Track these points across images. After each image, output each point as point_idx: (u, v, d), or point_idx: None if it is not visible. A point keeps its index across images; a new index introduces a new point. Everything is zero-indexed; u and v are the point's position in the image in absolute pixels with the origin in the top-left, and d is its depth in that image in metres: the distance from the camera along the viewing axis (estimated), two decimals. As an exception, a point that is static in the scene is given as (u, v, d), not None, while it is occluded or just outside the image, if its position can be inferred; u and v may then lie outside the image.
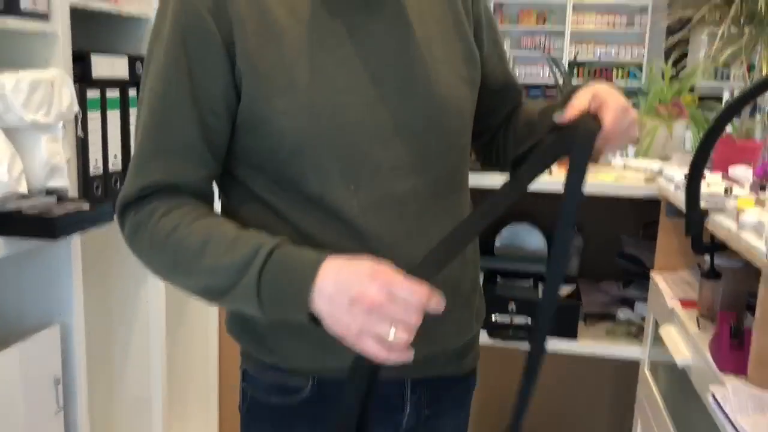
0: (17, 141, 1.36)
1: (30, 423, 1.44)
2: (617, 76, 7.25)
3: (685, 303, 1.44)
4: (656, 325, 1.60)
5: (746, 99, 1.19)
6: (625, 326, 1.88)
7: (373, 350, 0.71)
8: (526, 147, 0.94)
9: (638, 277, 1.95)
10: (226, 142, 0.87)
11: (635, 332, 1.84)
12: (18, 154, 1.35)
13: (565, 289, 1.94)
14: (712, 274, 1.31)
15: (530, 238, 2.11)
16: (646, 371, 1.70)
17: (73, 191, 1.51)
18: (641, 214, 2.01)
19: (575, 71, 6.62)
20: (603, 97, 0.85)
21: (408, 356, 0.71)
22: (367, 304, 0.70)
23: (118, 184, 1.65)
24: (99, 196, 1.59)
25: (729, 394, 0.94)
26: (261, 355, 0.92)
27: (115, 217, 0.87)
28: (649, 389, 1.62)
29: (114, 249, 1.86)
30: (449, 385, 0.98)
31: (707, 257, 1.32)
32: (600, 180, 1.78)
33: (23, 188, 1.34)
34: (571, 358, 1.86)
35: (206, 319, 2.21)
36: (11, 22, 1.34)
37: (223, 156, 0.88)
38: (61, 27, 1.45)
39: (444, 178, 0.91)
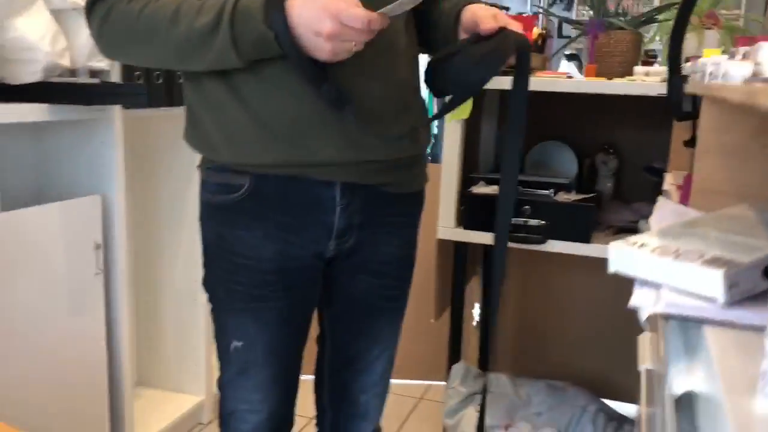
0: (62, 22, 1.55)
1: (72, 280, 1.64)
2: None
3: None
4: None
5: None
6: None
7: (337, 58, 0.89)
8: (451, 49, 0.98)
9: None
10: None
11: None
12: (62, 33, 1.54)
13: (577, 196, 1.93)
14: (691, 143, 1.30)
15: (561, 156, 2.13)
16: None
17: (116, 77, 1.70)
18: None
19: None
20: (505, 19, 0.96)
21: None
22: (326, 35, 0.85)
23: (161, 78, 1.82)
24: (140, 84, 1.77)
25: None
26: (210, 155, 1.03)
27: (84, 16, 0.98)
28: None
29: (165, 150, 2.05)
30: (385, 198, 1.06)
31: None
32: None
33: (66, 62, 1.53)
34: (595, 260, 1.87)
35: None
36: None
37: None
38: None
39: None
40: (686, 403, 0.61)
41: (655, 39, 2.13)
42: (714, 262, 0.67)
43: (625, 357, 2.22)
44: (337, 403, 1.21)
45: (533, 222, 1.83)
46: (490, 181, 1.98)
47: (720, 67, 0.91)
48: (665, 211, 0.96)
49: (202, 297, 2.16)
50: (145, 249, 2.21)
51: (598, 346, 2.30)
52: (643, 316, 0.71)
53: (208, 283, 1.10)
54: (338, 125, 0.96)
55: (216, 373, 1.16)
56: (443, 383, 2.12)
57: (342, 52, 0.88)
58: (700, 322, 0.65)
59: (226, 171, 1.02)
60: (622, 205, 2.10)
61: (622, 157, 2.16)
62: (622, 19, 1.97)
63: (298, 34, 0.87)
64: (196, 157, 2.09)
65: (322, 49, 0.87)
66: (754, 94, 0.54)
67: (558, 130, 2.14)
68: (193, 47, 0.91)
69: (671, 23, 2.07)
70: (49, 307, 1.57)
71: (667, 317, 0.67)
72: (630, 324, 2.16)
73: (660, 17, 2.03)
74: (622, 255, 0.76)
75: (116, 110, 1.68)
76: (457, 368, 2.01)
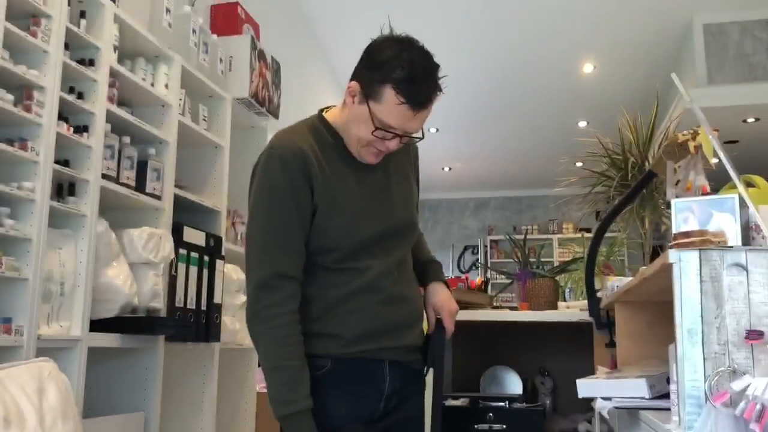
0: (135, 272, 2.03)
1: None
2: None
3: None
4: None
5: (609, 219, 1.84)
6: (584, 436, 2.32)
7: None
8: None
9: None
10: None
11: (593, 439, 2.27)
12: (135, 281, 2.01)
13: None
14: (610, 344, 1.85)
15: (508, 377, 2.62)
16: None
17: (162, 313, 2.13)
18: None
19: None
20: (440, 310, 1.56)
21: None
22: None
23: (192, 318, 2.26)
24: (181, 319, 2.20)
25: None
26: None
27: (249, 294, 1.44)
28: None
29: (181, 377, 2.41)
30: (410, 373, 1.52)
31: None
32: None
33: (136, 302, 1.98)
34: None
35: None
36: (142, 198, 2.09)
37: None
38: (167, 205, 2.19)
39: (407, 260, 1.56)
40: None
41: (567, 283, 2.79)
42: (640, 377, 1.17)
43: None
44: None
45: (496, 427, 2.26)
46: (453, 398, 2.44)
47: (623, 282, 1.49)
48: (603, 369, 1.46)
49: None
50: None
51: None
52: (605, 413, 1.17)
53: None
54: (391, 333, 1.45)
55: None
56: None
57: None
58: (637, 409, 1.13)
59: (314, 357, 1.45)
60: (561, 416, 2.56)
61: (555, 378, 2.68)
62: (542, 269, 2.63)
63: None
64: (206, 389, 2.43)
65: None
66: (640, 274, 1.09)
67: (505, 357, 2.66)
68: (270, 387, 1.41)
69: (579, 272, 2.75)
70: None
71: (618, 409, 1.14)
72: None
73: (569, 268, 2.71)
74: (586, 385, 1.25)
75: (161, 341, 2.08)
76: None
